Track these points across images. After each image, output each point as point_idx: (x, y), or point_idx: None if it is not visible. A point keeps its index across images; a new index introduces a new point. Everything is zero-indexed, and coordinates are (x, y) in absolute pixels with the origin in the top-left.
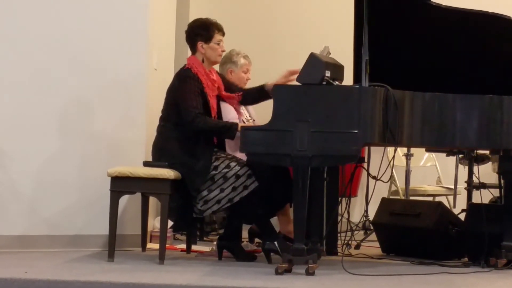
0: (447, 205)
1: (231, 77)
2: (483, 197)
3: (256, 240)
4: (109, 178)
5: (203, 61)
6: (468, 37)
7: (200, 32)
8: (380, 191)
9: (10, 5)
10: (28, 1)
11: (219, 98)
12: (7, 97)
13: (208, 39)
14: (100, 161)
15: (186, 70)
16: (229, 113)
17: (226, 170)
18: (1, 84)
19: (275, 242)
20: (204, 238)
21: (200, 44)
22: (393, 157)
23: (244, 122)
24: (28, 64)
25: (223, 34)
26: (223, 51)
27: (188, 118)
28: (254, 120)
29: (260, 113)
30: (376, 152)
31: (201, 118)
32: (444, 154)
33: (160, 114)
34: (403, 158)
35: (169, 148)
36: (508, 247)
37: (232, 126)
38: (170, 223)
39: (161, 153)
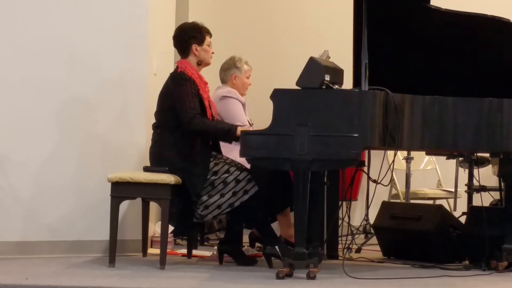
0: (448, 208)
1: (235, 82)
2: (484, 200)
3: (257, 244)
4: (110, 184)
5: (198, 64)
6: (468, 40)
7: (194, 34)
8: (380, 194)
9: (9, 7)
10: (28, 3)
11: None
12: (5, 100)
13: (201, 41)
14: (100, 166)
15: (181, 73)
16: (237, 111)
17: (226, 175)
18: None
19: (276, 247)
20: (205, 243)
21: (194, 47)
22: (393, 160)
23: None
24: (27, 67)
25: (211, 36)
26: (213, 52)
27: (186, 119)
28: (252, 124)
29: (260, 117)
30: (376, 156)
31: (199, 119)
32: (444, 157)
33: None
34: (403, 161)
35: (167, 155)
36: (509, 250)
37: (231, 129)
38: (171, 228)
39: (159, 161)
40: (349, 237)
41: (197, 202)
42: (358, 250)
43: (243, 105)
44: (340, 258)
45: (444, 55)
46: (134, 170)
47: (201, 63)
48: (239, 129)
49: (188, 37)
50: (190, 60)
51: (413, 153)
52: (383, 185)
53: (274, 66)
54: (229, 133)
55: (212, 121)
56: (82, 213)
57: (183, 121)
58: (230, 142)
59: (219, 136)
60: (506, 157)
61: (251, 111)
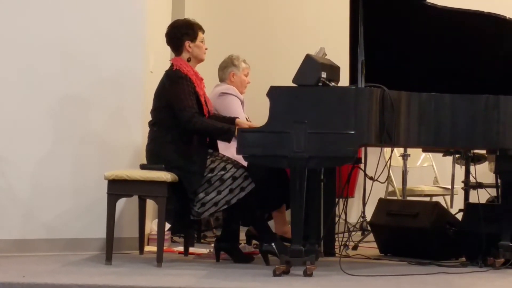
0: (444, 205)
1: (234, 80)
2: (480, 196)
3: (254, 242)
4: (106, 181)
5: (188, 60)
6: (464, 37)
7: (187, 31)
8: (377, 191)
9: (7, 6)
10: (25, 3)
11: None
12: (2, 100)
13: (194, 37)
14: (97, 164)
15: (176, 71)
16: (235, 108)
17: (222, 172)
18: None
19: (273, 244)
20: (202, 241)
21: (187, 43)
22: (390, 157)
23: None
24: (24, 67)
25: (204, 32)
26: (206, 49)
27: (186, 118)
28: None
29: (258, 115)
30: (372, 153)
31: (198, 118)
32: (441, 154)
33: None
34: (400, 158)
35: (163, 153)
36: (505, 247)
37: (230, 129)
38: (168, 225)
39: (156, 158)
40: (346, 234)
41: (194, 200)
42: (354, 247)
43: (242, 102)
44: (337, 255)
45: (440, 51)
46: (131, 168)
47: (191, 60)
48: (237, 129)
49: (181, 34)
50: (184, 57)
51: (410, 150)
52: (379, 182)
53: (272, 64)
54: (228, 133)
55: (211, 120)
56: (79, 211)
57: (182, 120)
58: (229, 142)
59: (218, 135)
60: (502, 154)
61: (250, 109)
